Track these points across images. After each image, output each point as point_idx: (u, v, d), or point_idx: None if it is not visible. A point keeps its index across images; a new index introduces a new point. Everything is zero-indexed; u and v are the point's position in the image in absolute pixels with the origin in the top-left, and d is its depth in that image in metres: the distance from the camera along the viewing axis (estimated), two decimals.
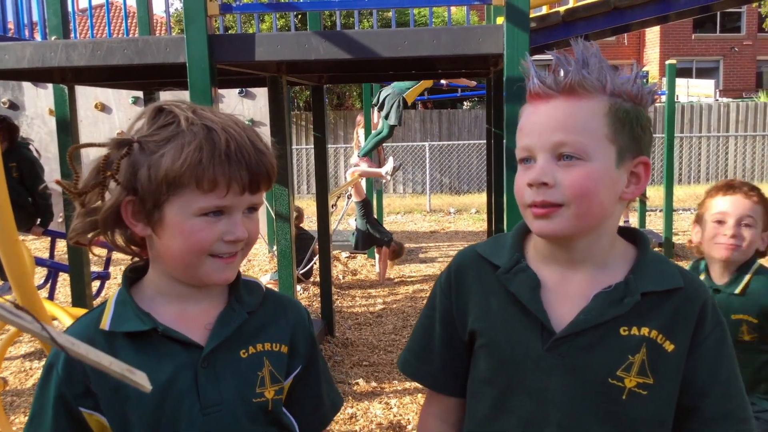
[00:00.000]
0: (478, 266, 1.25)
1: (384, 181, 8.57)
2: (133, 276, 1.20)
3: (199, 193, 1.06)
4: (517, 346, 1.17)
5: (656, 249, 8.50)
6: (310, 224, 9.82)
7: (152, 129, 1.10)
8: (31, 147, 5.72)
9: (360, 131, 8.98)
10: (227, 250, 1.10)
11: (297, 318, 1.26)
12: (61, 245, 6.97)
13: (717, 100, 19.50)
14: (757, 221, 2.26)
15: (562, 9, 4.17)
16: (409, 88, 7.56)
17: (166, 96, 8.70)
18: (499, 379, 1.20)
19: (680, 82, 18.55)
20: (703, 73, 27.84)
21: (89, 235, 1.16)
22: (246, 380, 1.15)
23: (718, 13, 27.01)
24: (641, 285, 1.13)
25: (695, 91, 20.52)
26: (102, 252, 7.06)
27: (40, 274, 6.15)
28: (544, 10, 4.28)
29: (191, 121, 1.08)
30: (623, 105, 1.11)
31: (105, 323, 1.13)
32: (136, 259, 1.21)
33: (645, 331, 1.12)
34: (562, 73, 1.11)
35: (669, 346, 1.12)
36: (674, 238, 8.70)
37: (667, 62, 8.54)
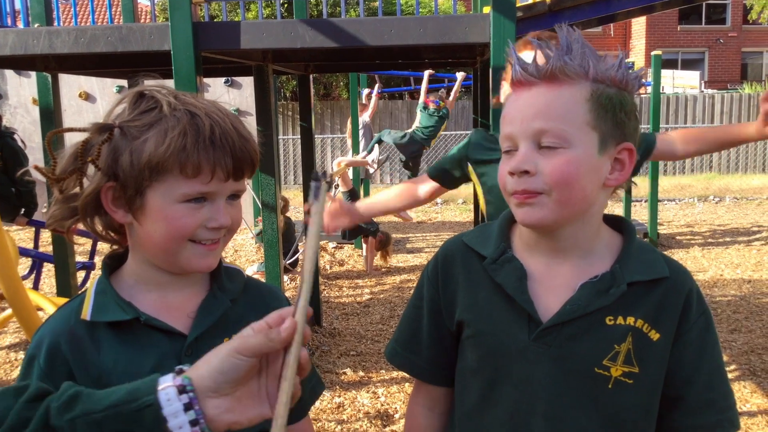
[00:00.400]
0: (464, 256, 1.25)
1: (371, 170, 8.58)
2: (113, 264, 1.17)
3: (183, 178, 1.04)
4: (504, 337, 1.17)
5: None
6: (297, 214, 9.80)
7: (134, 114, 1.07)
8: (15, 137, 5.67)
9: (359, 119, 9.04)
10: (209, 237, 1.09)
11: (277, 306, 1.21)
12: (46, 235, 6.92)
13: (702, 91, 19.61)
14: None
15: None
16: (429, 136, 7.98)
17: (150, 84, 8.63)
18: (485, 369, 1.20)
19: (666, 74, 18.65)
20: (688, 64, 27.98)
21: (68, 222, 1.13)
22: None
23: (704, 5, 27.16)
24: (627, 275, 1.13)
25: (680, 82, 20.62)
26: (87, 242, 7.01)
27: (24, 264, 6.11)
28: None
29: (174, 107, 1.05)
30: (606, 91, 1.09)
31: (86, 313, 1.10)
32: (116, 246, 1.19)
33: (631, 320, 1.12)
34: (543, 59, 1.09)
35: (654, 335, 1.13)
36: (659, 228, 8.77)
37: (653, 53, 8.58)
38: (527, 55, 1.15)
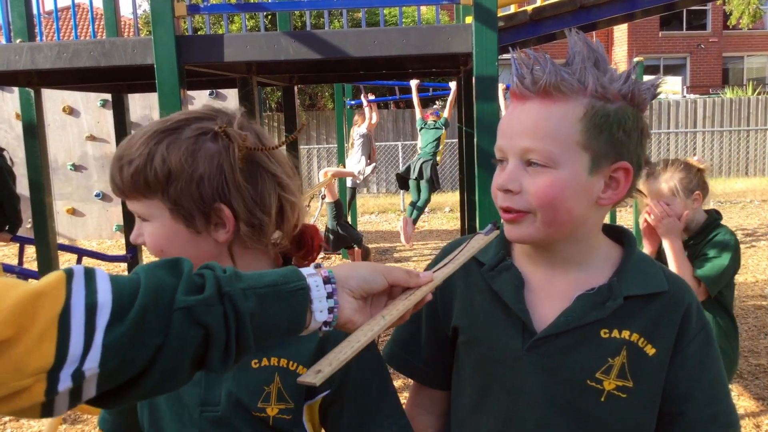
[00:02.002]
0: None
1: (358, 180, 8.61)
2: None
3: None
4: (498, 344, 1.16)
5: None
6: None
7: None
8: (4, 154, 5.64)
9: (356, 129, 9.05)
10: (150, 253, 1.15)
11: (326, 341, 1.11)
12: (30, 251, 6.86)
13: (684, 96, 19.78)
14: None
15: (529, 8, 4.21)
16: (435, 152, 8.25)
17: (135, 98, 8.61)
18: (478, 375, 1.20)
19: (648, 79, 18.77)
20: (670, 70, 28.25)
21: None
22: (249, 389, 1.11)
23: (684, 11, 27.45)
24: (624, 288, 1.12)
25: (663, 87, 20.75)
26: (72, 257, 6.97)
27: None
28: (512, 9, 4.32)
29: None
30: (604, 108, 1.05)
31: None
32: None
33: (626, 334, 1.11)
34: (539, 72, 1.06)
35: (650, 350, 1.11)
36: None
37: (634, 60, 8.65)
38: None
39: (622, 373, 1.11)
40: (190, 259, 0.94)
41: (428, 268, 1.19)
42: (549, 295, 1.15)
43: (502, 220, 1.13)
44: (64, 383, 0.70)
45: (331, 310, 0.88)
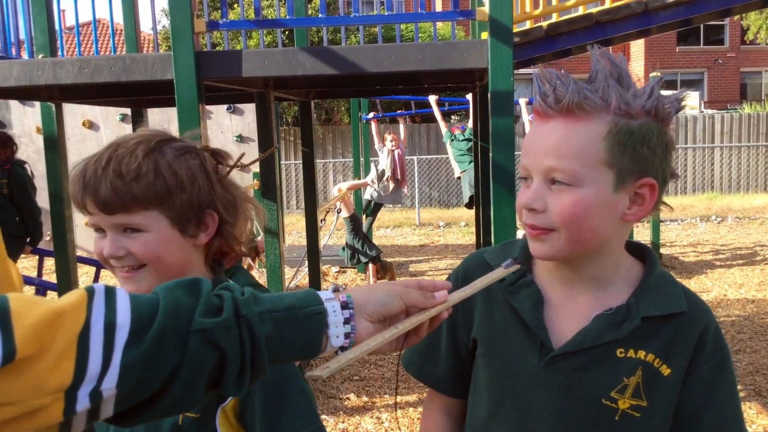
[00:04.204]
0: (485, 273, 1.26)
1: (373, 189, 8.63)
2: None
3: (84, 211, 1.17)
4: (514, 360, 1.17)
5: None
6: (300, 239, 9.82)
7: None
8: (26, 167, 5.73)
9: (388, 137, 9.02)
10: (114, 265, 1.18)
11: None
12: (49, 263, 6.93)
13: (702, 111, 19.68)
14: None
15: (545, 24, 4.22)
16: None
17: (153, 113, 8.71)
18: (495, 388, 1.20)
19: (665, 94, 18.69)
20: (687, 85, 28.09)
21: None
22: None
23: (702, 26, 27.33)
24: (643, 309, 1.12)
25: (685, 102, 20.66)
26: (91, 270, 7.03)
27: (28, 292, 6.11)
28: (528, 24, 4.34)
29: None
30: (628, 125, 1.04)
31: None
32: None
33: (642, 354, 1.11)
34: (562, 90, 1.05)
35: (665, 370, 1.12)
36: (662, 249, 8.77)
37: (651, 75, 8.64)
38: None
39: (637, 392, 1.11)
40: (177, 261, 1.10)
41: (449, 278, 1.22)
42: (568, 312, 1.16)
43: (527, 236, 1.14)
44: (82, 403, 0.71)
45: (347, 336, 0.88)
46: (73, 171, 1.19)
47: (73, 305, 0.73)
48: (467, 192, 8.54)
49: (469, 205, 8.75)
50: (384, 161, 8.73)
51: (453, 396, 1.32)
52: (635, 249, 1.22)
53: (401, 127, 9.84)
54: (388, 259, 8.18)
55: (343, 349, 0.89)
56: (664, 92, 1.12)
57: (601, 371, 1.11)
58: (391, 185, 8.82)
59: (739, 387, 4.28)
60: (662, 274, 1.19)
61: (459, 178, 8.86)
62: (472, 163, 8.55)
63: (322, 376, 0.82)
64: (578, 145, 1.05)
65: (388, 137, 9.07)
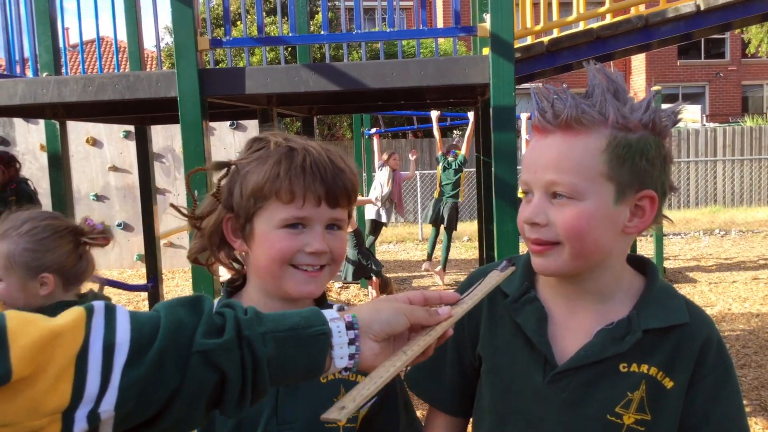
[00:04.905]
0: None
1: (377, 206, 8.63)
2: (230, 290, 1.26)
3: (280, 204, 1.13)
4: (519, 376, 1.17)
5: None
6: None
7: (247, 154, 1.20)
8: (29, 183, 5.75)
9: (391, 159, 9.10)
10: (309, 262, 1.16)
11: None
12: None
13: (704, 125, 19.71)
14: None
15: (546, 39, 4.24)
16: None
17: (157, 129, 8.75)
18: (498, 406, 1.20)
19: (662, 108, 18.72)
20: (689, 98, 28.15)
21: (204, 254, 1.24)
22: (322, 404, 1.14)
23: (702, 40, 27.45)
24: (644, 322, 1.12)
25: (682, 116, 20.70)
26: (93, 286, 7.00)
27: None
28: (529, 40, 4.36)
29: (278, 144, 1.17)
30: (626, 138, 1.05)
31: None
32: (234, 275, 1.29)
33: (645, 368, 1.11)
34: (560, 105, 1.07)
35: (668, 383, 1.12)
36: (665, 263, 8.75)
37: (652, 89, 8.65)
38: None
39: (641, 407, 1.11)
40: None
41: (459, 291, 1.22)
42: (571, 328, 1.16)
43: (530, 253, 1.14)
44: (80, 425, 0.70)
45: (351, 357, 0.87)
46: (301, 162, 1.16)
47: (72, 324, 0.72)
48: (431, 214, 8.68)
49: (434, 223, 8.86)
50: (383, 179, 8.74)
51: (455, 415, 1.32)
52: (636, 262, 1.22)
53: (412, 162, 9.95)
54: (390, 275, 8.16)
55: (347, 370, 0.88)
56: (664, 105, 1.12)
57: (605, 386, 1.11)
58: (386, 204, 8.84)
59: (744, 402, 4.25)
60: (664, 287, 1.19)
61: (434, 197, 8.99)
62: (450, 198, 8.67)
63: (340, 419, 0.79)
64: (578, 158, 1.06)
65: (391, 159, 9.07)
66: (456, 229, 9.08)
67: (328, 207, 1.15)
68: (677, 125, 1.14)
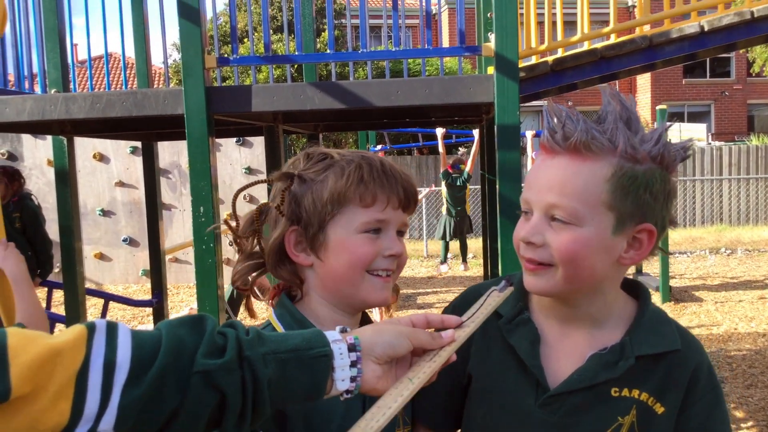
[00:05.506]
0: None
1: None
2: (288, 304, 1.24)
3: (361, 208, 1.14)
4: (510, 398, 1.17)
5: (652, 293, 8.58)
6: None
7: (308, 165, 1.19)
8: (33, 198, 5.77)
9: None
10: (386, 266, 1.17)
11: None
12: (58, 295, 6.94)
13: (709, 143, 19.70)
14: None
15: (550, 59, 4.27)
16: None
17: (163, 145, 8.79)
18: (489, 427, 1.20)
19: (672, 126, 18.72)
20: (694, 117, 28.18)
21: (253, 276, 1.23)
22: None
23: (708, 59, 27.51)
24: (636, 348, 1.12)
25: (687, 134, 20.76)
26: (99, 302, 7.03)
27: None
28: (534, 59, 4.39)
29: (342, 154, 1.19)
30: (633, 170, 1.05)
31: None
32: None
33: (636, 393, 1.12)
34: (571, 128, 1.06)
35: (659, 409, 1.12)
36: (671, 282, 8.71)
37: (658, 108, 8.68)
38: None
39: (631, 431, 1.11)
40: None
41: (445, 311, 1.21)
42: (564, 351, 1.16)
43: (522, 270, 1.14)
44: None
45: (353, 379, 0.86)
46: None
47: (73, 342, 0.72)
48: (441, 230, 8.79)
49: (443, 237, 8.98)
50: None
51: (439, 430, 1.31)
52: (629, 286, 1.22)
53: (423, 193, 10.22)
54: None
55: (348, 392, 0.87)
56: (677, 131, 1.12)
57: (597, 411, 1.12)
58: None
59: (751, 423, 4.23)
60: (656, 312, 1.19)
61: (443, 213, 9.16)
62: (456, 214, 8.78)
63: None
64: (582, 184, 1.05)
65: None
66: (471, 231, 9.30)
67: (402, 211, 1.17)
68: (686, 161, 1.13)
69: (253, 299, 1.28)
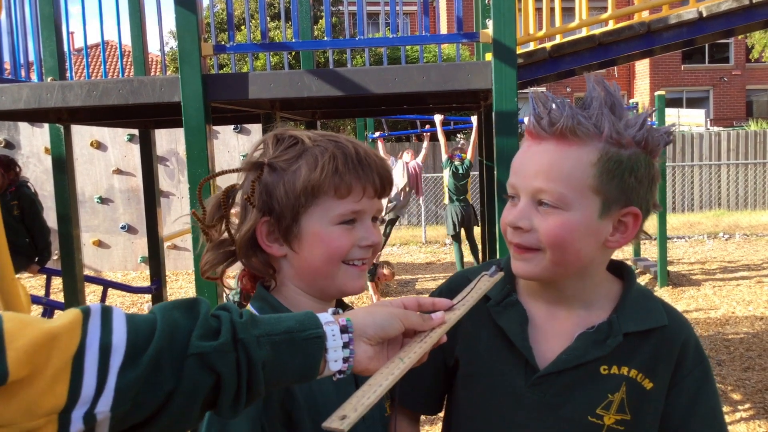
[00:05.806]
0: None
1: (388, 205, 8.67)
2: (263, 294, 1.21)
3: (336, 200, 1.11)
4: (500, 380, 1.18)
5: (648, 278, 8.40)
6: None
7: (278, 152, 1.15)
8: (29, 185, 5.77)
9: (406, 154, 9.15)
10: (361, 256, 1.15)
11: None
12: (57, 282, 6.96)
13: (708, 129, 19.69)
14: None
15: (548, 45, 4.26)
16: None
17: (161, 133, 8.79)
18: (479, 409, 1.21)
19: (671, 112, 18.73)
20: (693, 102, 28.15)
21: (222, 267, 1.20)
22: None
23: (706, 45, 27.43)
24: (624, 325, 1.14)
25: (686, 120, 20.73)
26: (98, 288, 7.05)
27: (36, 311, 6.14)
28: (532, 46, 4.37)
29: (314, 139, 1.14)
30: (618, 154, 1.06)
31: None
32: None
33: (625, 370, 1.13)
34: (557, 114, 1.07)
35: (648, 384, 1.14)
36: (669, 266, 8.74)
37: (657, 93, 8.66)
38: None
39: (621, 407, 1.13)
40: None
41: (432, 295, 1.21)
42: (552, 332, 1.18)
43: (510, 255, 1.16)
44: (76, 425, 0.71)
45: (346, 360, 0.87)
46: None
47: (68, 326, 0.72)
48: (451, 223, 8.67)
49: (455, 237, 8.85)
50: (397, 173, 8.76)
51: (420, 411, 1.33)
52: (614, 267, 1.24)
53: (425, 144, 9.93)
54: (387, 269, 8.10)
55: (341, 373, 0.88)
56: (676, 116, 1.13)
57: (586, 389, 1.13)
58: (402, 196, 8.86)
59: (748, 405, 4.26)
60: (641, 290, 1.21)
61: (445, 203, 9.04)
62: (459, 202, 8.69)
63: (343, 429, 0.79)
64: (568, 169, 1.07)
65: (406, 153, 9.18)
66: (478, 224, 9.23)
67: (378, 198, 1.16)
68: (681, 129, 1.15)
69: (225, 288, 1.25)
